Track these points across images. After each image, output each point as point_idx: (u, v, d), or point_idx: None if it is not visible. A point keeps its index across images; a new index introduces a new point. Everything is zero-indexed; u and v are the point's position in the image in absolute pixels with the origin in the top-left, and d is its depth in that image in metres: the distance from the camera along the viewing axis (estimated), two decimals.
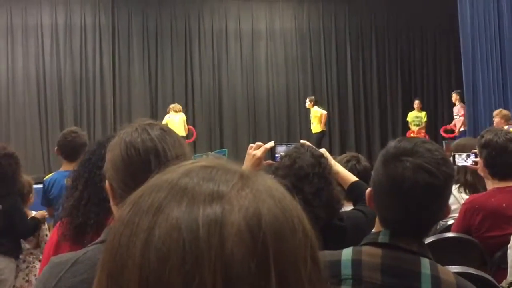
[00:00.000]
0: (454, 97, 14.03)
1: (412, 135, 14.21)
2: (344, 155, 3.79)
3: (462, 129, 13.57)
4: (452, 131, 14.05)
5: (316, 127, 13.81)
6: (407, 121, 15.25)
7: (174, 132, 1.52)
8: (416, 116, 14.85)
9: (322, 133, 13.81)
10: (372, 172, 1.77)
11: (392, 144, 1.73)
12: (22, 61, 15.10)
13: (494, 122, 9.19)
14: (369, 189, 1.77)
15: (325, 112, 13.88)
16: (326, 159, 2.62)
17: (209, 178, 0.63)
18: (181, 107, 13.36)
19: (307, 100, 14.15)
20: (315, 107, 13.92)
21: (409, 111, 15.42)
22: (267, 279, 0.58)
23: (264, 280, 0.57)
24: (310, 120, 14.13)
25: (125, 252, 0.59)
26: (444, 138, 13.65)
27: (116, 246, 0.61)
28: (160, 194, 0.62)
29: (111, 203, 1.49)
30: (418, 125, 14.72)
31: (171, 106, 13.30)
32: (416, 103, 15.00)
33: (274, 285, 0.58)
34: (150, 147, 1.42)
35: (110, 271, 0.61)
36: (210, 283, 0.55)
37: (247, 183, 0.63)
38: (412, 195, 1.60)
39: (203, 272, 0.56)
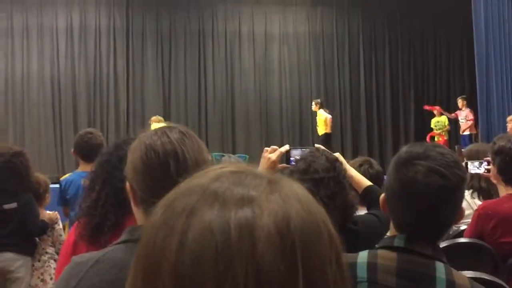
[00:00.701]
0: (461, 102, 14.04)
1: (435, 138, 14.25)
2: (356, 159, 3.80)
3: (467, 133, 13.57)
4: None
5: (321, 129, 13.85)
6: (422, 126, 15.22)
7: (194, 136, 1.54)
8: (437, 121, 14.83)
9: (327, 135, 13.78)
10: (385, 178, 1.79)
11: (404, 149, 1.75)
12: (37, 63, 15.21)
13: (508, 128, 9.16)
14: (382, 195, 1.79)
15: (329, 116, 13.87)
16: (340, 163, 2.64)
17: (239, 182, 0.65)
18: (162, 118, 12.79)
19: (313, 103, 14.22)
20: (321, 110, 13.94)
21: (422, 116, 15.38)
22: (295, 280, 0.60)
23: (292, 281, 0.60)
24: (316, 123, 14.18)
25: (160, 253, 0.62)
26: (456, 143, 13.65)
27: (151, 247, 0.63)
28: (192, 198, 0.64)
29: (132, 204, 1.52)
30: (441, 129, 14.70)
31: (152, 118, 12.69)
32: (436, 108, 14.97)
33: (301, 286, 0.60)
34: (169, 150, 1.45)
35: (145, 271, 0.63)
36: (242, 283, 0.58)
37: (275, 187, 0.66)
38: (425, 198, 1.62)
39: (235, 273, 0.58)
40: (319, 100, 14.31)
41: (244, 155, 13.92)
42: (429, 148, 1.69)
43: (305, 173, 2.48)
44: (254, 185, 0.65)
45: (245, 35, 16.49)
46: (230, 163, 0.73)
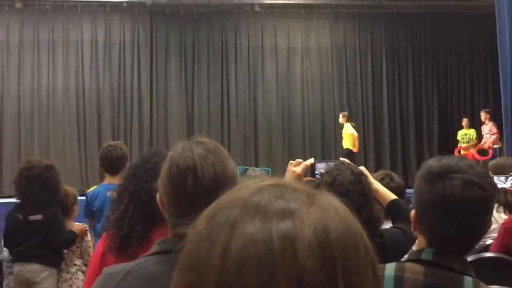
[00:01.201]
0: (484, 116, 13.90)
1: (461, 151, 14.10)
2: (377, 173, 3.80)
3: (495, 146, 13.41)
4: (486, 152, 13.86)
5: (346, 142, 13.84)
6: (445, 139, 15.09)
7: (221, 152, 1.57)
8: (465, 134, 14.70)
9: (351, 153, 13.72)
10: (414, 192, 1.78)
11: (433, 163, 1.73)
12: (62, 76, 15.41)
13: None
14: (413, 212, 1.77)
15: (356, 134, 13.87)
16: (366, 176, 2.64)
17: (279, 196, 0.67)
18: None
19: (340, 115, 14.23)
20: (348, 123, 13.94)
21: (447, 129, 15.27)
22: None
23: None
24: (342, 136, 14.16)
25: (203, 262, 0.64)
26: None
27: (194, 257, 0.66)
28: (234, 210, 0.66)
29: (163, 213, 1.56)
30: (467, 142, 14.57)
31: None
32: (465, 121, 14.86)
33: None
34: (189, 165, 1.49)
35: (188, 281, 0.65)
36: None
37: (314, 200, 0.68)
38: (464, 211, 1.62)
39: (278, 282, 0.60)
40: (346, 113, 14.33)
41: (267, 168, 13.93)
42: (460, 160, 1.70)
43: (331, 186, 2.49)
44: (294, 198, 0.67)
45: (268, 48, 16.55)
46: (264, 176, 0.75)
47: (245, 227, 0.64)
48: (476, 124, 16.11)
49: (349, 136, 13.72)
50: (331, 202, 0.70)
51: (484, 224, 1.69)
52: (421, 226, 1.75)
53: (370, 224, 2.49)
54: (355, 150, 13.83)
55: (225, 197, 0.70)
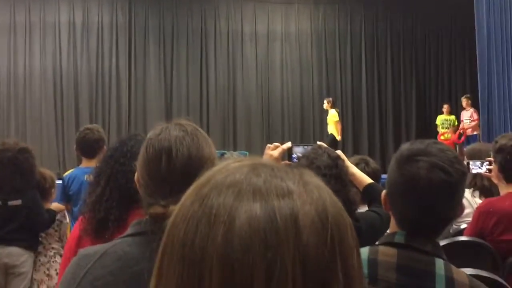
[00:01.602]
0: (465, 102, 13.99)
1: (442, 137, 14.22)
2: (353, 157, 3.81)
3: (475, 133, 13.52)
4: (461, 135, 14.00)
5: (331, 128, 13.87)
6: (423, 125, 15.18)
7: (198, 134, 1.57)
8: (445, 120, 14.79)
9: (335, 139, 13.80)
10: (387, 175, 1.81)
11: (405, 146, 1.78)
12: (39, 59, 15.23)
13: None
14: (384, 192, 1.82)
15: (339, 123, 13.93)
16: (342, 160, 2.66)
17: (274, 175, 0.69)
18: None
19: (325, 101, 14.20)
20: (333, 110, 13.96)
21: (424, 114, 15.37)
22: (335, 265, 0.65)
23: (333, 266, 0.65)
24: (327, 122, 14.17)
25: (205, 240, 0.64)
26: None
27: (191, 235, 0.66)
28: (232, 190, 0.67)
29: (140, 193, 1.57)
30: (447, 128, 14.68)
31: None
32: (446, 107, 14.95)
33: (339, 269, 0.65)
34: (165, 146, 1.50)
35: (186, 258, 0.65)
36: (290, 267, 0.62)
37: (307, 180, 0.71)
38: (428, 194, 1.65)
39: (284, 258, 0.62)
40: (330, 99, 14.32)
41: (245, 152, 13.95)
42: (430, 144, 1.72)
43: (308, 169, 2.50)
44: (289, 177, 0.70)
45: (248, 32, 16.50)
46: (256, 157, 0.76)
47: (247, 206, 0.65)
48: (455, 110, 16.28)
49: (335, 123, 13.76)
50: (319, 181, 0.73)
51: (450, 209, 1.71)
52: (390, 207, 1.79)
53: (346, 208, 2.50)
54: (338, 138, 13.88)
55: (213, 179, 0.70)
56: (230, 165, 0.72)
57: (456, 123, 14.70)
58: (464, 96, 14.35)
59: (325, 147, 2.75)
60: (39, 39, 15.27)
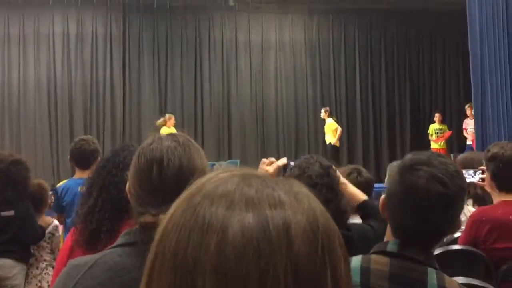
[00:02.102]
0: (469, 111, 13.89)
1: (436, 145, 14.27)
2: (345, 167, 3.81)
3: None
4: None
5: (329, 137, 13.88)
6: (418, 134, 15.23)
7: (191, 145, 1.58)
8: (439, 129, 14.83)
9: (335, 148, 13.86)
10: (387, 183, 1.83)
11: (409, 156, 1.81)
12: (34, 69, 15.24)
13: None
14: (383, 197, 1.84)
15: (340, 128, 13.94)
16: (334, 170, 2.66)
17: (266, 185, 0.70)
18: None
19: (322, 110, 14.26)
20: (330, 118, 13.98)
21: (418, 124, 15.41)
22: (325, 272, 0.66)
23: (324, 275, 0.66)
24: (323, 131, 14.19)
25: (197, 249, 0.65)
26: (459, 151, 13.63)
27: (184, 243, 0.66)
28: (225, 200, 0.68)
29: (131, 203, 1.57)
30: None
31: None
32: (437, 116, 15.00)
33: (329, 278, 0.66)
34: (156, 156, 1.51)
35: (179, 268, 0.66)
36: (283, 276, 0.63)
37: (297, 190, 0.71)
38: (425, 203, 1.66)
39: (276, 267, 0.63)
40: (328, 108, 14.40)
41: (235, 160, 13.96)
42: (433, 156, 1.74)
43: (299, 179, 2.50)
44: (279, 188, 0.70)
45: (242, 42, 16.54)
46: (246, 168, 0.77)
47: (239, 215, 0.65)
48: (448, 119, 16.33)
49: (333, 131, 13.76)
50: (309, 192, 0.73)
51: (446, 222, 1.72)
52: (388, 213, 1.81)
53: (337, 216, 2.50)
54: (337, 144, 13.92)
55: (205, 189, 0.71)
56: (220, 174, 0.73)
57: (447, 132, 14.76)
58: (468, 105, 14.30)
59: (318, 156, 2.75)
60: (34, 50, 15.29)
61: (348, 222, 2.74)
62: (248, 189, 0.68)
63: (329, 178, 2.56)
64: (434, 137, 14.81)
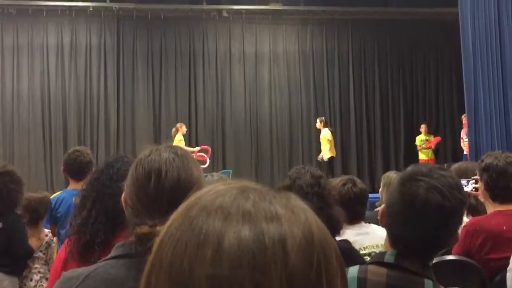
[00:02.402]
0: (466, 121, 13.95)
1: (424, 156, 14.34)
2: (340, 178, 3.81)
3: None
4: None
5: (325, 150, 13.84)
6: (413, 144, 15.27)
7: (188, 158, 1.59)
8: (426, 139, 14.88)
9: (331, 158, 13.86)
10: (380, 193, 1.84)
11: (410, 167, 1.83)
12: (27, 80, 15.22)
13: None
14: (382, 206, 1.84)
15: (332, 139, 13.94)
16: (325, 179, 2.68)
17: (263, 199, 0.70)
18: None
19: (318, 120, 14.22)
20: (326, 129, 13.93)
21: (412, 134, 15.47)
22: (320, 286, 0.66)
23: (319, 287, 0.66)
24: (318, 141, 14.17)
25: (193, 258, 0.65)
26: (454, 160, 13.65)
27: (180, 254, 0.66)
28: (221, 213, 0.68)
29: (126, 214, 1.57)
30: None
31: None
32: (423, 127, 15.07)
33: None
34: (155, 167, 1.51)
35: (173, 276, 0.66)
36: None
37: (294, 204, 0.71)
38: (423, 214, 1.67)
39: (271, 280, 0.63)
40: (323, 118, 14.36)
41: (227, 170, 13.96)
42: (434, 169, 1.76)
43: (290, 189, 2.51)
44: (277, 201, 0.70)
45: (236, 54, 16.58)
46: (244, 180, 0.77)
47: (236, 228, 0.66)
48: (442, 129, 16.38)
49: (327, 142, 13.75)
50: (305, 205, 0.73)
51: (444, 234, 1.73)
52: (386, 223, 1.82)
53: (330, 225, 2.51)
54: (334, 154, 13.92)
55: (202, 201, 0.71)
56: (218, 187, 0.73)
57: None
58: (464, 115, 14.32)
59: (309, 166, 2.78)
60: (27, 61, 15.29)
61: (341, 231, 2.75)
62: (245, 202, 0.69)
63: (320, 188, 2.59)
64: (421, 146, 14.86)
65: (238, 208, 0.68)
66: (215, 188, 0.73)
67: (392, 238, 1.78)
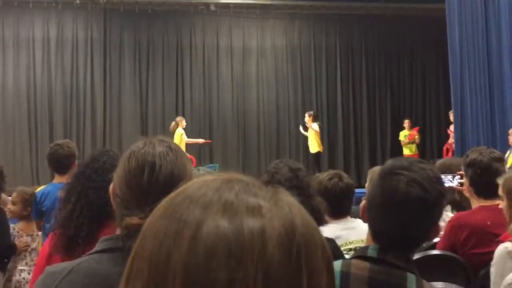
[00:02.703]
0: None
1: (408, 151, 14.41)
2: (326, 172, 3.81)
3: None
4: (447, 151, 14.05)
5: (312, 144, 13.81)
6: (399, 140, 15.33)
7: (181, 153, 1.59)
8: (409, 134, 14.93)
9: (318, 153, 13.85)
10: (367, 187, 1.85)
11: (390, 161, 1.82)
12: (13, 74, 15.11)
13: (510, 141, 9.32)
14: (363, 202, 1.84)
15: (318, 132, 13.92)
16: (304, 171, 2.70)
17: (248, 191, 0.70)
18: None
19: (306, 115, 14.04)
20: (315, 124, 13.85)
21: (399, 130, 15.53)
22: (299, 281, 0.65)
23: (297, 281, 0.65)
24: (306, 136, 14.17)
25: (171, 245, 0.65)
26: (439, 156, 13.73)
27: (159, 243, 0.66)
28: (202, 205, 0.68)
29: (113, 206, 1.56)
30: (412, 143, 14.85)
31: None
32: (406, 122, 15.11)
33: (305, 286, 0.65)
34: (149, 160, 1.50)
35: (153, 262, 0.66)
36: (253, 279, 0.62)
37: (279, 197, 0.71)
38: (404, 208, 1.67)
39: (247, 270, 0.62)
40: (312, 112, 14.17)
41: (214, 165, 13.95)
42: (414, 162, 1.76)
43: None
44: (261, 194, 0.70)
45: (223, 48, 16.55)
46: (232, 172, 0.77)
47: (214, 219, 0.65)
48: (428, 125, 16.45)
49: (315, 136, 13.73)
50: (292, 199, 0.73)
51: (425, 227, 1.73)
52: (368, 218, 1.82)
53: (312, 216, 2.55)
54: (321, 148, 13.92)
55: (185, 192, 0.71)
56: (205, 178, 0.73)
57: (417, 136, 14.85)
58: (451, 111, 14.42)
59: (287, 160, 2.80)
60: (13, 54, 15.16)
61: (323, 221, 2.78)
62: (228, 193, 0.68)
63: (299, 180, 2.60)
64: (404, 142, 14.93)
65: (220, 198, 0.68)
66: (202, 179, 0.73)
67: (374, 232, 1.78)
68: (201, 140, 13.99)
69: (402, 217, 1.68)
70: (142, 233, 0.70)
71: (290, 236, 0.66)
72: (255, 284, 0.62)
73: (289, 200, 0.72)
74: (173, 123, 13.26)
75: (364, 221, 1.86)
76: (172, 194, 0.72)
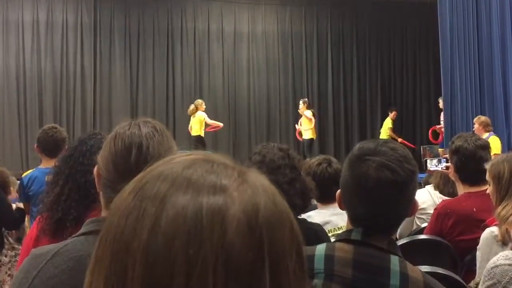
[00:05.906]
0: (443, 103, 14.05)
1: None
2: (316, 157, 3.81)
3: None
4: (438, 135, 13.99)
5: (307, 132, 13.78)
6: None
7: (168, 135, 1.59)
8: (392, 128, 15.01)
9: (311, 140, 13.83)
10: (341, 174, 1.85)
11: (357, 146, 1.81)
12: (2, 57, 14.97)
13: (474, 129, 9.29)
14: (338, 191, 1.85)
15: (313, 121, 13.85)
16: (292, 150, 2.74)
17: (211, 171, 0.69)
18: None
19: (301, 102, 13.93)
20: (308, 111, 13.74)
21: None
22: (262, 269, 0.64)
23: (259, 269, 0.64)
24: (298, 122, 14.13)
25: (131, 233, 0.64)
26: (428, 143, 13.79)
27: (121, 227, 0.66)
28: (165, 183, 0.67)
29: (97, 188, 1.56)
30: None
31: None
32: (393, 113, 15.11)
33: (267, 273, 0.64)
34: (135, 141, 1.50)
35: (114, 249, 0.65)
36: (212, 266, 0.61)
37: (245, 178, 0.69)
38: (377, 193, 1.67)
39: (206, 257, 0.61)
40: (306, 100, 14.10)
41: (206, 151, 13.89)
42: (380, 144, 1.75)
43: (262, 163, 2.55)
44: (226, 174, 0.69)
45: (214, 33, 16.49)
46: (202, 152, 0.76)
47: (176, 200, 0.64)
48: (418, 113, 16.49)
49: (308, 123, 13.69)
50: (261, 180, 0.71)
51: (401, 208, 1.74)
52: (344, 205, 1.83)
53: (304, 194, 2.61)
54: (314, 136, 13.90)
55: (154, 169, 0.70)
56: (175, 158, 0.72)
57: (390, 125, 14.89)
58: (441, 97, 14.43)
59: (274, 142, 2.84)
60: (2, 38, 15.00)
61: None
62: (192, 173, 0.68)
63: (290, 159, 2.62)
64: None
65: (184, 179, 0.67)
66: (173, 158, 0.72)
67: (352, 219, 1.80)
68: (221, 124, 13.89)
69: (377, 202, 1.69)
70: (110, 215, 0.69)
71: (251, 221, 0.65)
72: (215, 272, 0.61)
73: (256, 180, 0.70)
74: (192, 106, 13.27)
75: (342, 209, 1.86)
76: (140, 174, 0.71)
